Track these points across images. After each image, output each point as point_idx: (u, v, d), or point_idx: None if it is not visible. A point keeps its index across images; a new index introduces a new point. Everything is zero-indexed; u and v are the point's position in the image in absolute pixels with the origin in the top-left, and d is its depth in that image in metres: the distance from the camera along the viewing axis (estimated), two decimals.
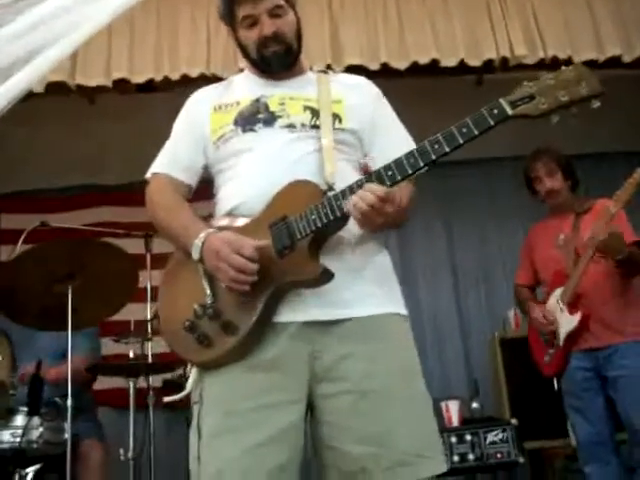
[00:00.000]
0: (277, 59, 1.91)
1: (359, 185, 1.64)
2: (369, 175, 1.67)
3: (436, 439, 1.75)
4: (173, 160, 1.98)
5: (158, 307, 1.86)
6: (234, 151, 1.88)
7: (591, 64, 3.89)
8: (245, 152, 1.86)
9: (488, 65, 4.20)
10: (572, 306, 3.23)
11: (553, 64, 4.07)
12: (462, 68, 4.17)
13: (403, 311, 1.84)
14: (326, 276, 1.66)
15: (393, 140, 1.91)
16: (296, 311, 1.70)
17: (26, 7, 1.94)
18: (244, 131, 1.87)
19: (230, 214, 1.82)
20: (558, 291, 3.30)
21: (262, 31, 1.88)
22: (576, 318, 3.20)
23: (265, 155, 1.83)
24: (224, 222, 1.82)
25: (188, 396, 1.80)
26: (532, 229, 3.69)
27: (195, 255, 1.73)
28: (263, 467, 1.61)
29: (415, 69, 4.10)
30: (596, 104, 1.59)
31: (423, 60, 4.05)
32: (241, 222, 1.78)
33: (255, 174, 1.82)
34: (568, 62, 4.00)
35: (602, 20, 4.16)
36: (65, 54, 2.15)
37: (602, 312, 3.21)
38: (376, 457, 1.63)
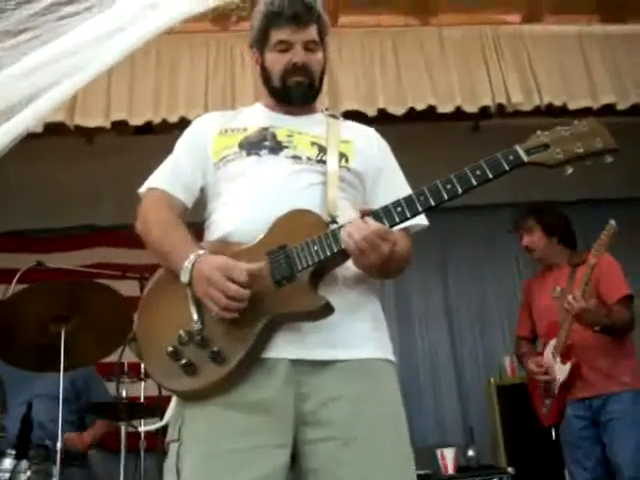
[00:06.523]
0: (298, 89, 1.91)
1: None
2: (370, 213, 1.63)
3: None
4: (173, 176, 1.90)
5: (137, 330, 1.75)
6: (235, 174, 1.83)
7: (585, 111, 3.94)
8: (246, 176, 1.81)
9: (484, 111, 4.25)
10: (565, 356, 3.28)
11: (548, 111, 4.12)
12: (458, 114, 4.22)
13: (392, 358, 1.80)
14: (327, 310, 1.61)
15: (397, 194, 1.74)
16: (287, 347, 1.64)
17: (30, 49, 1.95)
18: (248, 154, 1.84)
19: (223, 240, 1.76)
20: (553, 342, 3.34)
21: (293, 58, 1.88)
22: (567, 367, 3.26)
23: (266, 182, 1.79)
24: (216, 247, 1.73)
25: None
26: (528, 283, 3.76)
27: (184, 278, 1.63)
28: None
29: (412, 115, 4.15)
30: (609, 159, 1.61)
31: (420, 106, 4.10)
32: (235, 248, 1.70)
33: (254, 200, 1.77)
34: (563, 109, 4.06)
35: (596, 68, 4.23)
36: (67, 96, 2.17)
37: (595, 361, 3.25)
38: None
